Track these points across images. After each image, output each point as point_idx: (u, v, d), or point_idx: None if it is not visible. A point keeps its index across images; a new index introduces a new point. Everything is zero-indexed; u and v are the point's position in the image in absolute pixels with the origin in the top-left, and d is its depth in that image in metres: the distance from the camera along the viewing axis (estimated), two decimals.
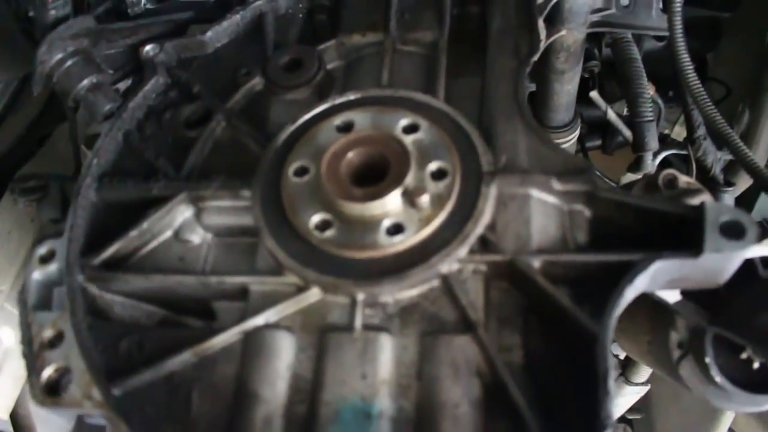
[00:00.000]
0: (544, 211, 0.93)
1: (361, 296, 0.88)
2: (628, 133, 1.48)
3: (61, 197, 1.24)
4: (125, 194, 1.07)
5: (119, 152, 1.14)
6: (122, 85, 1.32)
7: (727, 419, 1.93)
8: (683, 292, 1.01)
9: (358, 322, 0.86)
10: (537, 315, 0.88)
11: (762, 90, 1.53)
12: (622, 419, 2.20)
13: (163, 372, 0.88)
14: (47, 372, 0.88)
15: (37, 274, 0.99)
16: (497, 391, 0.81)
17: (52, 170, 1.41)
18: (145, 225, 1.01)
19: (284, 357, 0.86)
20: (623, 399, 1.88)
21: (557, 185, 0.93)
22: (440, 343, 0.84)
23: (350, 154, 0.96)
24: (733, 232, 0.84)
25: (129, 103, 1.15)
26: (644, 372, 1.80)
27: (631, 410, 2.14)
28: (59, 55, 1.12)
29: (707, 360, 1.01)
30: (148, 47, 1.20)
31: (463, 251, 0.88)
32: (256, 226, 0.97)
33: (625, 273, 0.83)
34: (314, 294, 0.89)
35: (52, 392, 0.88)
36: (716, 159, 1.42)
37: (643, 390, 1.83)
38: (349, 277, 0.88)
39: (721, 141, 1.35)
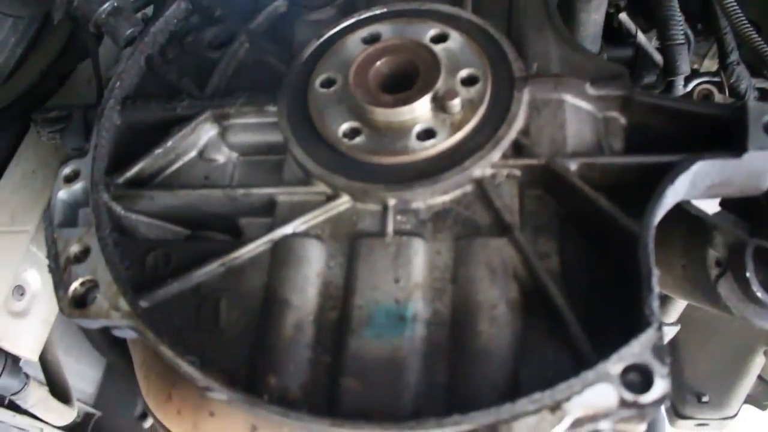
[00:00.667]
0: (578, 117, 0.90)
1: (392, 202, 0.85)
2: (659, 57, 1.43)
3: (84, 126, 1.22)
4: (149, 115, 1.05)
5: (141, 76, 1.12)
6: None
7: (757, 366, 1.90)
8: (723, 204, 0.97)
9: (390, 227, 0.84)
10: (574, 222, 0.85)
11: None
12: None
13: (190, 283, 0.87)
14: (74, 285, 0.88)
15: (63, 194, 0.98)
16: (535, 294, 0.79)
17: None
18: (169, 143, 1.00)
19: (314, 264, 0.85)
20: None
21: (591, 90, 0.90)
22: (476, 246, 0.81)
23: (379, 63, 0.94)
24: None
25: (151, 28, 1.13)
26: (674, 311, 1.76)
27: None
28: None
29: (748, 274, 0.98)
30: None
31: (496, 155, 0.85)
32: (282, 143, 0.95)
33: (665, 175, 0.80)
34: (344, 201, 0.87)
35: (79, 305, 0.87)
36: (750, 85, 1.37)
37: (673, 330, 1.81)
38: (380, 183, 0.86)
39: (756, 65, 1.30)
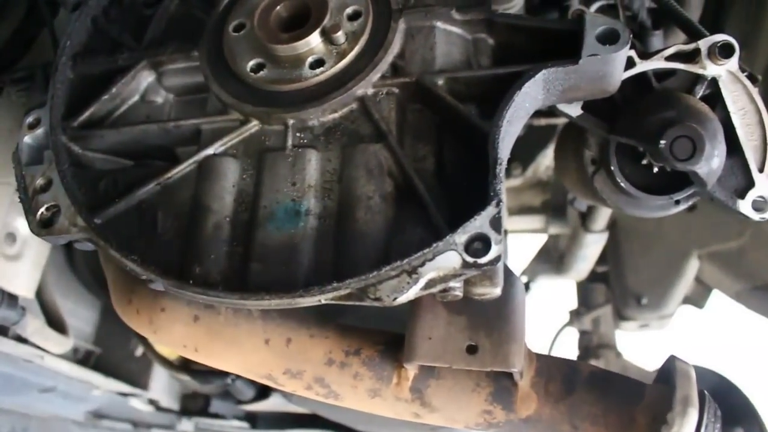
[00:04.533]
0: (448, 39, 1.06)
1: (291, 122, 1.03)
2: None
3: (46, 82, 1.39)
4: (95, 67, 1.22)
5: (88, 34, 1.28)
6: None
7: (692, 269, 2.07)
8: (585, 107, 1.13)
9: (290, 142, 1.02)
10: (448, 129, 1.02)
11: None
12: (593, 273, 2.35)
13: (133, 201, 1.05)
14: (41, 210, 1.05)
15: (28, 138, 1.15)
16: (406, 187, 0.96)
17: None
18: (113, 90, 1.17)
19: (230, 177, 1.03)
20: (587, 249, 2.03)
21: (457, 15, 1.05)
22: (357, 151, 0.99)
23: (278, 8, 1.09)
24: (609, 38, 0.97)
25: None
26: (601, 219, 1.93)
27: (604, 263, 2.30)
28: None
29: (612, 168, 1.15)
30: None
31: (375, 76, 1.02)
32: (204, 79, 1.12)
33: (519, 80, 0.96)
34: (254, 125, 1.05)
35: (46, 225, 1.05)
36: (642, 5, 1.51)
37: (602, 237, 1.98)
38: (281, 107, 1.03)
39: None
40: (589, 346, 2.53)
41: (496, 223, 0.86)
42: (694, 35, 1.11)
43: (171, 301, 1.11)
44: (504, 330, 0.98)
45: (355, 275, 0.86)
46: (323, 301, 0.88)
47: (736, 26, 1.73)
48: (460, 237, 0.86)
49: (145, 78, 1.19)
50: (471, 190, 0.95)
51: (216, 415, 2.68)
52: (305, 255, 0.93)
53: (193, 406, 2.67)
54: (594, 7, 1.49)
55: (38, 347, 1.81)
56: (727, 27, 1.74)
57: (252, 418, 2.70)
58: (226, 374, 2.23)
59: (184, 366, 2.20)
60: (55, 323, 1.85)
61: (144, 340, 2.24)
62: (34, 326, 1.70)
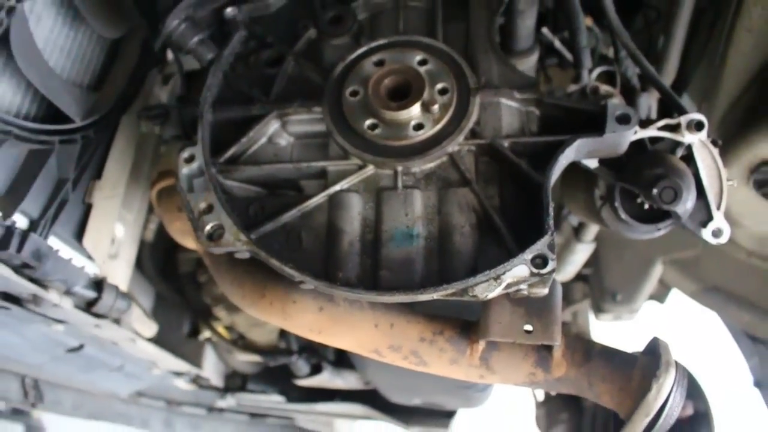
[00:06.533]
0: (510, 112, 1.48)
1: (399, 168, 1.44)
2: (569, 55, 2.01)
3: (178, 119, 1.74)
4: (234, 114, 1.59)
5: (221, 87, 1.65)
6: None
7: (657, 272, 2.56)
8: (600, 161, 1.57)
9: (400, 184, 1.43)
10: (509, 177, 1.44)
11: (673, 17, 2.06)
12: (579, 275, 2.83)
13: (279, 223, 1.44)
14: (207, 228, 1.43)
15: (185, 170, 1.52)
16: (485, 220, 1.38)
17: (153, 102, 1.93)
18: (251, 134, 1.55)
19: (356, 207, 1.43)
20: (577, 256, 2.49)
21: (517, 95, 1.48)
22: (450, 193, 1.40)
23: (386, 80, 1.49)
24: (624, 120, 1.41)
25: (224, 52, 1.66)
26: (590, 233, 2.40)
27: (585, 267, 2.78)
28: (176, 22, 1.61)
29: (616, 204, 1.59)
30: (228, 9, 1.70)
31: (461, 138, 1.43)
32: (324, 131, 1.52)
33: (559, 147, 1.40)
34: (370, 169, 1.45)
35: (212, 239, 1.43)
36: (635, 72, 1.96)
37: (590, 247, 2.44)
38: (392, 157, 1.44)
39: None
40: (569, 335, 3.00)
41: (551, 247, 1.29)
42: (675, 108, 1.56)
43: (301, 295, 1.51)
44: (549, 317, 1.42)
45: (455, 280, 1.28)
46: (435, 297, 1.30)
47: (699, 83, 2.20)
48: (528, 255, 1.28)
49: (273, 125, 1.57)
50: (528, 224, 1.38)
51: (254, 391, 3.06)
52: (419, 265, 1.35)
53: (233, 384, 3.05)
54: (596, 72, 1.94)
55: (134, 332, 2.16)
56: (691, 84, 2.21)
57: (286, 393, 3.09)
58: (291, 353, 2.63)
59: (250, 347, 2.57)
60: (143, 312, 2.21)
61: (210, 326, 2.61)
62: (136, 314, 2.06)
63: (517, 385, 1.51)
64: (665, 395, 1.40)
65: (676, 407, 1.44)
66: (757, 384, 2.55)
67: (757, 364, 2.52)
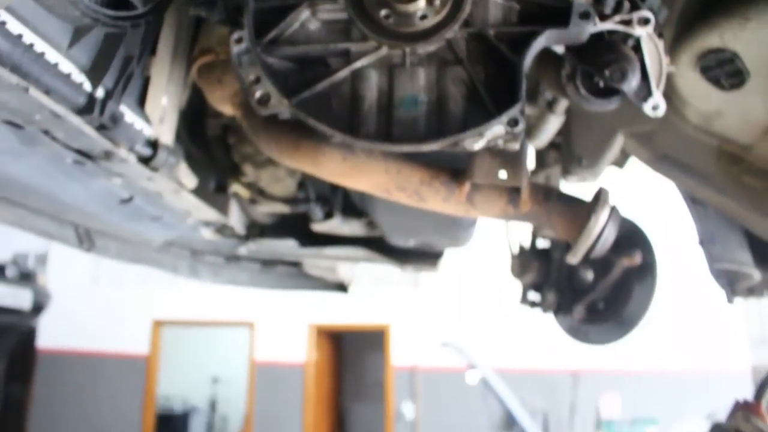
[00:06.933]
0: (495, 6, 1.87)
1: (408, 49, 1.84)
2: None
3: (223, 5, 2.10)
4: (272, 3, 1.96)
5: None
6: None
7: (618, 142, 3.01)
8: (566, 47, 1.97)
9: (408, 62, 1.84)
10: (493, 59, 1.85)
11: None
12: (552, 144, 3.29)
13: (314, 91, 1.85)
14: (257, 95, 1.84)
15: (236, 49, 1.91)
16: (473, 91, 1.81)
17: None
18: (288, 19, 1.93)
19: (373, 79, 1.84)
20: (550, 125, 2.92)
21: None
22: (447, 69, 1.82)
23: None
24: (585, 16, 1.80)
25: None
26: (561, 106, 2.83)
27: (557, 136, 3.23)
28: None
29: (577, 82, 2.01)
30: None
31: (456, 27, 1.83)
32: (349, 18, 1.90)
33: (533, 35, 1.80)
34: (385, 50, 1.85)
35: (261, 104, 1.84)
36: None
37: (561, 119, 2.89)
38: (401, 41, 1.83)
39: None
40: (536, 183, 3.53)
41: (522, 112, 1.73)
42: (632, 6, 1.95)
43: (329, 147, 1.96)
44: (518, 166, 1.88)
45: (450, 134, 1.73)
46: (435, 148, 1.74)
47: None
48: (504, 118, 1.72)
49: (304, 13, 1.95)
50: (506, 93, 1.81)
51: (272, 237, 3.60)
52: (422, 124, 1.78)
53: (253, 233, 3.58)
54: None
55: (179, 183, 2.62)
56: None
57: (298, 234, 3.63)
58: (308, 200, 3.13)
59: (272, 198, 3.06)
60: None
61: (239, 181, 3.08)
62: (183, 168, 2.50)
63: (493, 218, 1.99)
64: (601, 226, 1.89)
65: (610, 236, 1.94)
66: (701, 242, 3.08)
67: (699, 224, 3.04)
